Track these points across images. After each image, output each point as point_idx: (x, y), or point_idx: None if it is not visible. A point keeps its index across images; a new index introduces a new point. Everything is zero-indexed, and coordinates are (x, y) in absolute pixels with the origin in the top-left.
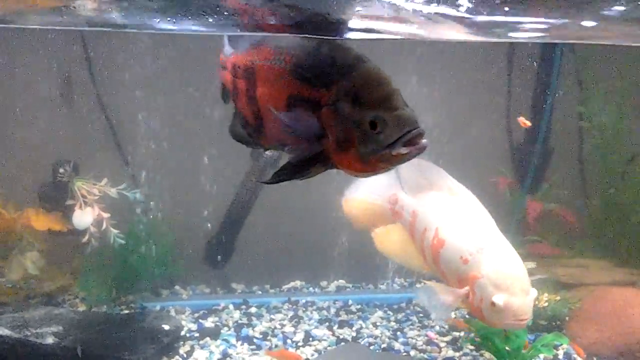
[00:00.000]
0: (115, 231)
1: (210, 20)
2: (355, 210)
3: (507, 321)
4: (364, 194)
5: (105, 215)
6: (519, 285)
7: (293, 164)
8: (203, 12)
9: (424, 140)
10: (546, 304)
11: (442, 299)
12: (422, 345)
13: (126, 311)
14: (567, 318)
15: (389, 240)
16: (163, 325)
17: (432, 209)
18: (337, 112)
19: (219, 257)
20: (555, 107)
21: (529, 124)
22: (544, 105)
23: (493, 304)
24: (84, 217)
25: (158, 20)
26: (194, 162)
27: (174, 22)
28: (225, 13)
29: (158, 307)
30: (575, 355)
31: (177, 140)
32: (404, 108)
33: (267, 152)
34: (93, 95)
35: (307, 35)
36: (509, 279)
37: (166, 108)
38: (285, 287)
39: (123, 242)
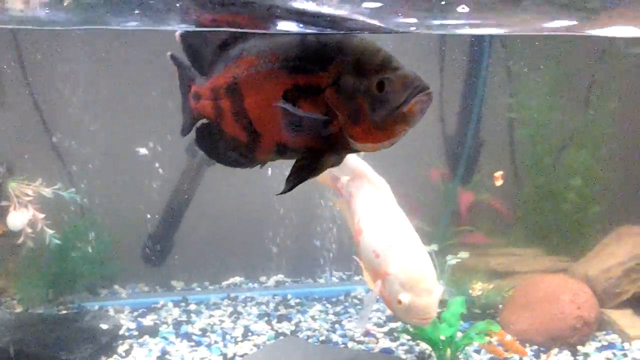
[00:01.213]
0: (51, 231)
1: (137, 11)
2: None
3: (412, 319)
4: None
5: (40, 215)
6: (423, 286)
7: (304, 160)
8: (130, 7)
9: (429, 90)
10: (480, 293)
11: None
12: (359, 337)
13: (64, 311)
14: (500, 306)
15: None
16: (101, 325)
17: (361, 197)
18: (342, 87)
19: (156, 255)
20: (485, 99)
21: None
22: (475, 97)
23: (399, 301)
24: (18, 218)
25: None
26: (131, 159)
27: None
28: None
29: (96, 307)
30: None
31: (114, 138)
32: (405, 67)
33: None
34: (26, 94)
35: (277, 32)
36: (414, 279)
37: (102, 105)
38: (224, 283)
39: (59, 242)
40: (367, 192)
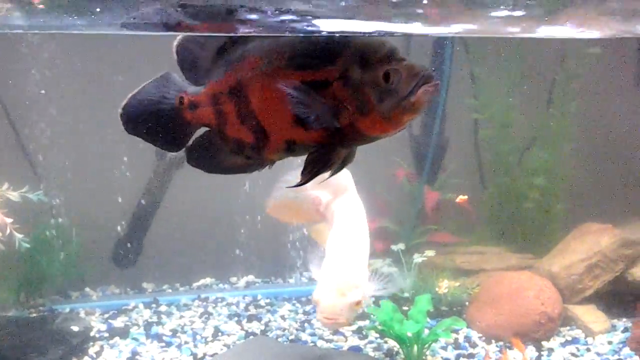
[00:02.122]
0: (20, 235)
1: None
2: (282, 208)
3: (319, 317)
4: (289, 193)
5: (8, 220)
6: (335, 287)
7: (317, 153)
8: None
9: (437, 81)
10: (446, 290)
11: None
12: (328, 336)
13: (34, 314)
14: (466, 303)
15: (323, 235)
16: (72, 327)
17: (340, 214)
18: (349, 79)
19: (127, 256)
20: (449, 100)
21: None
22: (439, 98)
23: (312, 297)
24: None
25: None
26: (101, 162)
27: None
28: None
29: (67, 309)
30: (475, 339)
31: (83, 140)
32: (410, 59)
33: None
34: None
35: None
36: (328, 278)
37: (71, 107)
38: (195, 284)
39: (28, 246)
40: (346, 208)
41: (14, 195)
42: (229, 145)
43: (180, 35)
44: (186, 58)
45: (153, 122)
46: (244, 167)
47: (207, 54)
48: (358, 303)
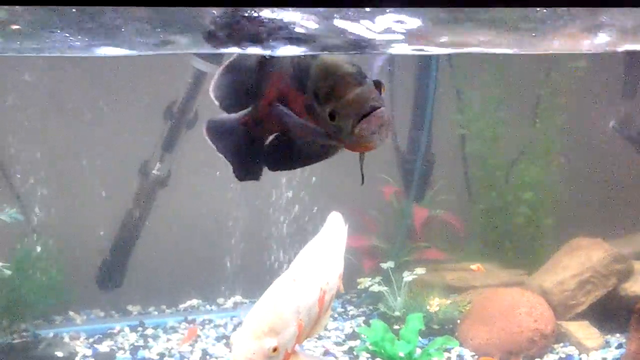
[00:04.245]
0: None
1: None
2: None
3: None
4: None
5: None
6: (251, 329)
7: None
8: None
9: (380, 109)
10: (437, 308)
11: None
12: (319, 356)
13: (18, 340)
14: (458, 321)
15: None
16: (56, 352)
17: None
18: (310, 110)
19: (111, 279)
20: (436, 116)
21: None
22: (424, 115)
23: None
24: None
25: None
26: (84, 182)
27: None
28: None
29: (51, 334)
30: (468, 358)
31: (66, 161)
32: (354, 90)
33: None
34: None
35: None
36: (247, 320)
37: (51, 126)
38: (182, 306)
39: (10, 272)
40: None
41: None
42: (302, 140)
43: (232, 58)
44: (235, 82)
45: (242, 153)
46: (322, 154)
47: (253, 73)
48: (275, 349)
